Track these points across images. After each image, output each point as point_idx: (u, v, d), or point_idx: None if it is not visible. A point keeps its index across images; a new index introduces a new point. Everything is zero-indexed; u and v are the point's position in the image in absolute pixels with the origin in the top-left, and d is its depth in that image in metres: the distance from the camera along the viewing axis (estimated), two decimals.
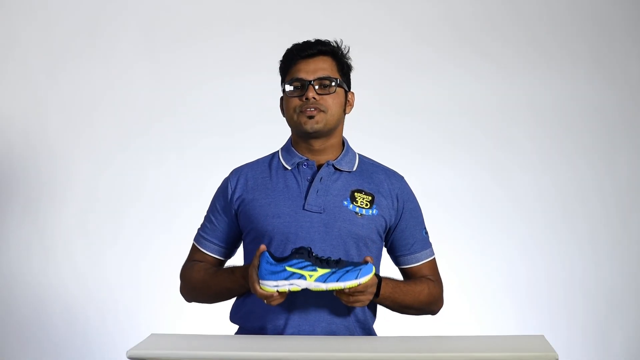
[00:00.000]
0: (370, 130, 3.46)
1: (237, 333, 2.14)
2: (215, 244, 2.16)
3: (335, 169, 2.10)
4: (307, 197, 2.05)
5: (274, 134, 3.51)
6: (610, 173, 3.72)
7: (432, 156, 3.69)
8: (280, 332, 2.03)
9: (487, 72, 3.73)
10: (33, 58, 3.67)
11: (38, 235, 3.63)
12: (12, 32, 3.66)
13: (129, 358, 1.75)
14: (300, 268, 1.88)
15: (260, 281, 1.90)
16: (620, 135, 3.73)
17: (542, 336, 1.90)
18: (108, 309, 3.63)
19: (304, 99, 2.05)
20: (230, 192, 2.12)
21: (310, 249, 1.91)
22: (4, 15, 3.66)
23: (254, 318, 2.07)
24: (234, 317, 2.14)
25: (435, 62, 3.73)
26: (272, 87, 3.59)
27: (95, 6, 3.69)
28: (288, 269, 1.88)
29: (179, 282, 2.21)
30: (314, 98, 2.04)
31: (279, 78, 2.49)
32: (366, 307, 2.07)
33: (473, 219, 3.71)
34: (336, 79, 2.07)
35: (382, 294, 2.00)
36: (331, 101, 2.06)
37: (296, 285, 1.88)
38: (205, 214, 2.20)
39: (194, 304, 2.25)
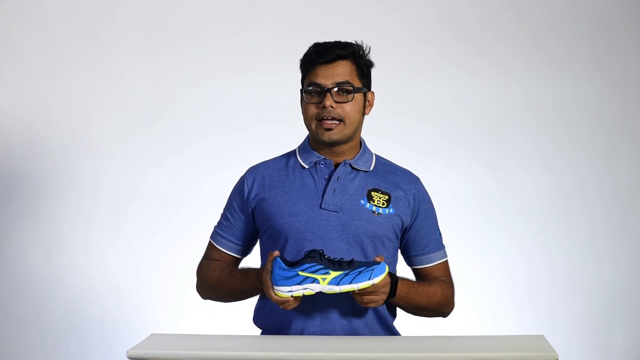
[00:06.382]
0: (369, 130, 3.45)
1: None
2: (232, 241, 2.16)
3: (352, 168, 2.10)
4: (324, 196, 2.05)
5: (274, 134, 3.55)
6: (610, 173, 3.72)
7: (432, 156, 3.68)
8: (301, 332, 2.03)
9: (487, 72, 3.73)
10: (33, 58, 3.67)
11: (38, 234, 3.63)
12: (12, 32, 3.66)
13: (129, 358, 1.76)
14: (313, 272, 1.88)
15: (274, 287, 1.90)
16: (620, 135, 3.73)
17: (542, 336, 1.90)
18: (108, 308, 3.63)
19: (321, 107, 2.03)
20: (246, 190, 2.12)
21: (322, 251, 1.91)
22: (4, 15, 3.66)
23: (275, 319, 2.07)
24: (256, 319, 2.15)
25: (435, 62, 3.73)
26: (272, 87, 3.63)
27: (96, 6, 3.68)
28: (301, 273, 1.88)
29: (179, 281, 2.21)
30: (332, 106, 2.02)
31: (279, 78, 2.50)
32: (385, 306, 2.07)
33: (473, 218, 3.71)
34: (354, 87, 2.04)
35: (399, 293, 1.99)
36: (349, 109, 2.04)
37: (310, 289, 1.89)
38: (222, 211, 2.19)
39: (208, 301, 2.24)
